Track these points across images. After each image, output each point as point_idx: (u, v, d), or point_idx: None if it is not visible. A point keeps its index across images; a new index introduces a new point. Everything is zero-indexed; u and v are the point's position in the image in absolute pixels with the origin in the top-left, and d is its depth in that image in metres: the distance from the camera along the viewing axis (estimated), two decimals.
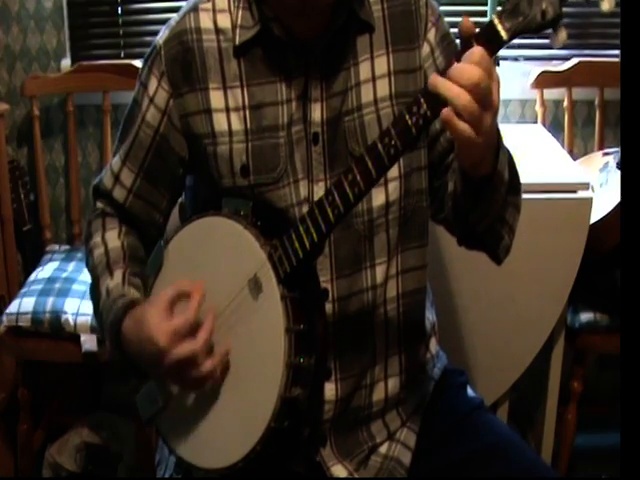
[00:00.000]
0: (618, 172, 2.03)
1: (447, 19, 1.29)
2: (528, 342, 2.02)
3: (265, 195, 1.22)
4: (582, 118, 2.46)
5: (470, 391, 1.40)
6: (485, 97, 0.96)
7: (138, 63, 2.24)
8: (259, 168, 1.22)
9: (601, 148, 2.34)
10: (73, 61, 2.42)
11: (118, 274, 1.25)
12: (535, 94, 2.37)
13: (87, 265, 1.32)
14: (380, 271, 1.26)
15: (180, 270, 1.24)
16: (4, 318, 2.01)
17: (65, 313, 1.99)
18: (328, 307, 1.22)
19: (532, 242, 1.84)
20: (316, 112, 1.21)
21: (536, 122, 2.39)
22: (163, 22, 1.29)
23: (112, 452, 2.28)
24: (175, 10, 1.30)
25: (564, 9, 0.96)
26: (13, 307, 2.02)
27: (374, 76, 1.23)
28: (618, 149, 2.14)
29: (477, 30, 0.99)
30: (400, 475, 1.31)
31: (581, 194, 1.94)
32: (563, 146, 2.26)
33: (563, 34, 0.96)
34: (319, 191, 1.21)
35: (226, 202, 1.21)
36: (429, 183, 1.29)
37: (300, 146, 1.22)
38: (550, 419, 2.15)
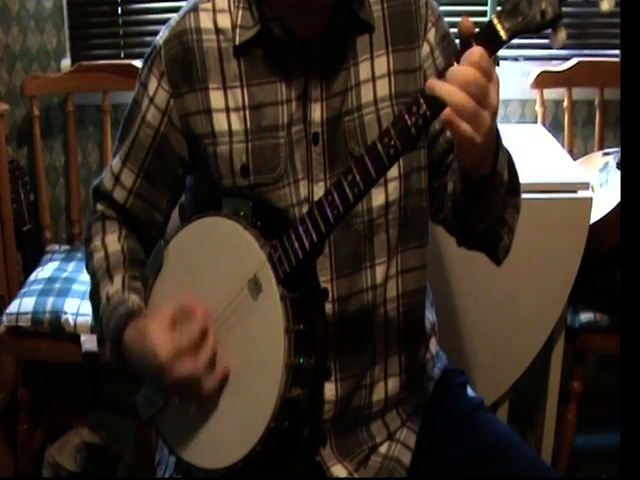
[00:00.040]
0: (618, 172, 2.03)
1: (447, 19, 1.29)
2: (528, 342, 2.02)
3: (265, 195, 1.22)
4: (582, 118, 2.46)
5: (470, 391, 1.40)
6: (482, 96, 0.96)
7: (138, 63, 2.24)
8: (259, 168, 1.22)
9: (601, 148, 2.34)
10: (73, 61, 2.42)
11: (118, 279, 1.25)
12: (535, 94, 2.37)
13: (87, 269, 1.32)
14: (380, 271, 1.26)
15: (180, 270, 1.25)
16: (4, 318, 2.02)
17: (65, 313, 1.99)
18: (328, 307, 1.22)
19: (532, 242, 1.84)
20: (316, 112, 1.21)
21: (536, 122, 2.40)
22: (163, 22, 1.29)
23: (112, 452, 2.28)
24: (175, 10, 1.30)
25: (564, 9, 0.96)
26: (13, 307, 2.03)
27: (374, 76, 1.23)
28: (618, 149, 2.14)
29: (476, 30, 0.99)
30: (400, 475, 1.31)
31: (581, 194, 1.94)
32: (563, 146, 2.26)
33: (563, 34, 0.96)
34: (319, 191, 1.21)
35: (226, 202, 1.21)
36: (428, 183, 1.29)
37: (300, 146, 1.22)
38: (550, 419, 2.15)
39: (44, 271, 2.18)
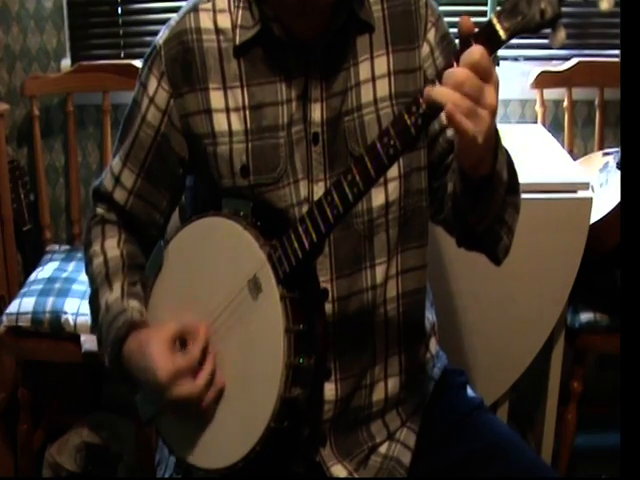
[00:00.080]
0: (618, 172, 2.03)
1: (447, 19, 1.29)
2: (528, 342, 2.02)
3: (265, 195, 1.22)
4: (582, 118, 2.46)
5: (470, 391, 1.40)
6: (477, 96, 0.95)
7: (138, 63, 2.24)
8: (259, 168, 1.22)
9: (601, 148, 2.34)
10: (73, 61, 2.42)
11: (117, 287, 1.26)
12: (535, 94, 2.37)
13: (87, 272, 1.33)
14: (380, 271, 1.26)
15: (180, 270, 1.25)
16: (4, 318, 2.01)
17: (65, 313, 1.99)
18: (328, 307, 1.22)
19: (532, 242, 1.84)
20: (316, 112, 1.21)
21: (536, 122, 2.40)
22: (163, 22, 1.29)
23: (112, 452, 2.28)
24: (175, 10, 1.30)
25: (564, 9, 0.96)
26: (13, 307, 2.03)
27: (374, 76, 1.23)
28: (618, 149, 2.14)
29: (476, 30, 0.98)
30: (400, 475, 1.31)
31: (581, 194, 1.94)
32: (563, 146, 2.25)
33: (562, 33, 0.96)
34: (319, 191, 1.21)
35: (226, 202, 1.21)
36: (428, 184, 1.29)
37: (300, 146, 1.22)
38: (550, 419, 2.15)
39: (44, 271, 2.18)
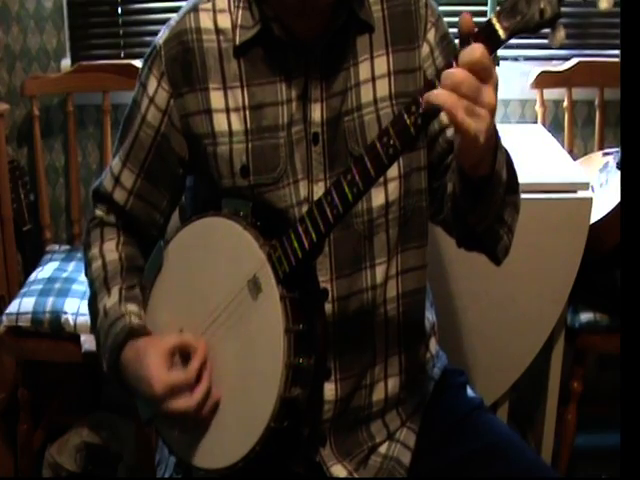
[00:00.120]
0: (618, 172, 2.03)
1: (447, 19, 1.29)
2: (528, 342, 2.02)
3: (265, 195, 1.22)
4: (582, 118, 2.46)
5: (470, 391, 1.40)
6: (475, 96, 0.95)
7: (138, 63, 2.24)
8: (259, 168, 1.22)
9: (601, 148, 2.34)
10: (73, 61, 2.42)
11: (115, 291, 1.26)
12: (535, 94, 2.37)
13: (86, 275, 1.33)
14: (380, 271, 1.26)
15: (180, 270, 1.25)
16: (4, 318, 2.01)
17: (65, 313, 1.99)
18: (328, 307, 1.22)
19: (532, 242, 1.84)
20: (316, 112, 1.21)
21: (536, 122, 2.39)
22: (163, 22, 1.29)
23: (112, 452, 2.28)
24: (175, 10, 1.30)
25: (563, 9, 0.96)
26: (13, 307, 2.02)
27: (374, 76, 1.23)
28: (618, 149, 2.14)
29: (475, 29, 0.98)
30: (400, 475, 1.31)
31: (581, 194, 1.94)
32: (563, 146, 2.25)
33: (561, 33, 0.96)
34: (319, 191, 1.21)
35: (226, 202, 1.21)
36: (428, 184, 1.29)
37: (300, 146, 1.22)
38: (550, 419, 2.15)
39: (44, 271, 2.17)
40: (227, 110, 1.22)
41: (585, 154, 2.35)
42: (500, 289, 1.95)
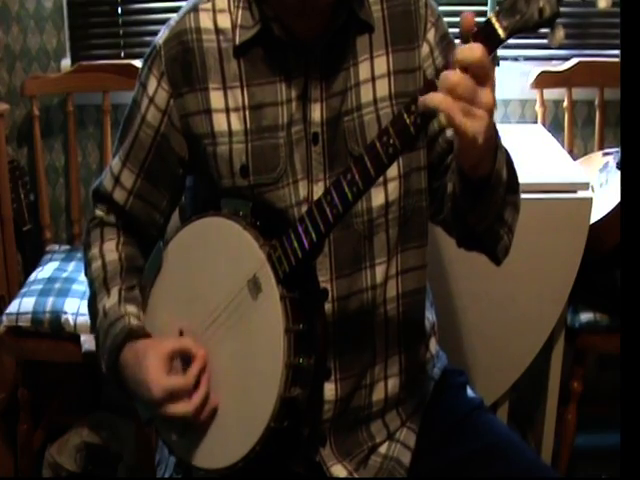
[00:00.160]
0: (618, 172, 2.03)
1: (447, 19, 1.29)
2: (528, 342, 2.02)
3: (265, 195, 1.22)
4: (582, 118, 2.46)
5: (470, 391, 1.40)
6: (471, 97, 0.95)
7: (138, 63, 2.24)
8: (259, 168, 1.22)
9: (601, 148, 2.34)
10: (73, 61, 2.42)
11: (114, 292, 1.26)
12: (535, 94, 2.37)
13: (86, 275, 1.34)
14: (380, 271, 1.26)
15: (179, 270, 1.25)
16: (4, 318, 2.01)
17: (65, 313, 1.99)
18: (328, 307, 1.22)
19: (532, 242, 1.84)
20: (316, 112, 1.21)
21: (536, 122, 2.39)
22: (163, 22, 1.29)
23: (112, 452, 2.28)
24: (175, 10, 1.30)
25: (563, 9, 0.96)
26: (13, 307, 2.03)
27: (374, 76, 1.23)
28: (618, 149, 2.14)
29: (475, 29, 0.98)
30: (400, 475, 1.31)
31: (581, 194, 1.94)
32: (563, 146, 2.25)
33: (560, 33, 0.96)
34: (318, 191, 1.21)
35: (225, 203, 1.21)
36: (428, 184, 1.29)
37: (300, 146, 1.22)
38: (550, 419, 2.15)
39: (44, 271, 2.18)
40: (227, 110, 1.22)
41: (585, 154, 2.35)
42: (500, 289, 1.95)
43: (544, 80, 2.34)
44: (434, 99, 0.95)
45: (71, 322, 1.98)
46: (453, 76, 0.94)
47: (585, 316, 2.04)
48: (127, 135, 1.29)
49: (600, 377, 2.48)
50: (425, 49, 1.25)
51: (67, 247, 2.37)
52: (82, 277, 2.07)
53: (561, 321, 2.04)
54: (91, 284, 1.30)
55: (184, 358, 1.18)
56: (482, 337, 2.01)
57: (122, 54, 2.47)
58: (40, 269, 2.20)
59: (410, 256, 1.29)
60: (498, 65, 2.02)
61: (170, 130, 1.25)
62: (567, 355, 2.11)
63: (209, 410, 1.16)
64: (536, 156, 2.10)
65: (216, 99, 1.22)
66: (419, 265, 1.31)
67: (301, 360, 1.09)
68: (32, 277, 2.16)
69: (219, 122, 1.22)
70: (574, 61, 2.34)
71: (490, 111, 0.97)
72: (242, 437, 1.12)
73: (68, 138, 2.41)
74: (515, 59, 2.44)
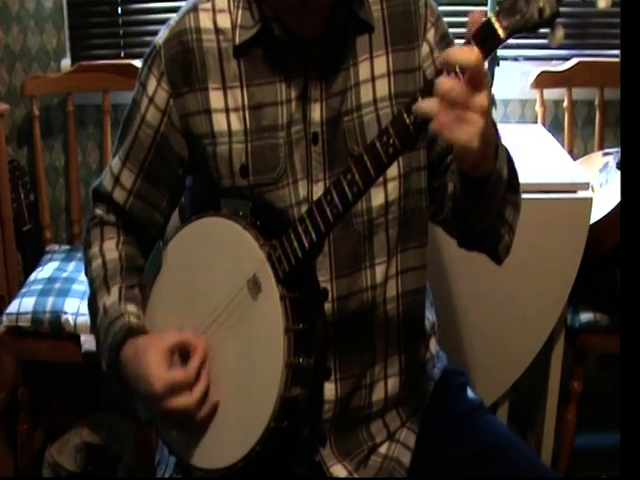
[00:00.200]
0: (618, 172, 2.03)
1: (447, 19, 1.29)
2: (528, 342, 2.02)
3: (264, 195, 1.22)
4: (582, 118, 2.46)
5: (470, 392, 1.40)
6: (464, 102, 0.95)
7: (138, 63, 2.24)
8: (258, 168, 1.22)
9: (601, 148, 2.34)
10: (73, 61, 2.42)
11: (115, 290, 1.26)
12: (535, 94, 2.37)
13: (86, 274, 1.33)
14: (380, 271, 1.26)
15: (179, 270, 1.25)
16: (4, 318, 2.01)
17: (65, 313, 1.99)
18: (328, 307, 1.22)
19: (532, 242, 1.84)
20: (316, 112, 1.21)
21: (536, 122, 2.39)
22: (163, 22, 1.29)
23: (112, 452, 2.28)
24: (175, 10, 1.30)
25: (563, 9, 0.96)
26: (13, 307, 2.03)
27: (373, 76, 1.23)
28: (618, 149, 2.14)
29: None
30: (400, 475, 1.31)
31: (581, 194, 1.94)
32: (563, 146, 2.26)
33: (560, 32, 0.96)
34: (318, 191, 1.21)
35: (225, 202, 1.21)
36: (428, 184, 1.29)
37: (300, 146, 1.22)
38: (550, 419, 2.15)
39: (44, 271, 2.18)
40: (227, 110, 1.22)
41: (585, 154, 2.35)
42: (500, 289, 1.95)
43: (544, 80, 2.34)
44: (426, 106, 0.96)
45: (71, 322, 1.98)
46: (447, 82, 0.95)
47: (585, 316, 2.04)
48: (127, 135, 1.29)
49: (600, 377, 2.48)
50: (425, 49, 1.25)
51: (67, 247, 2.37)
52: (82, 277, 2.07)
53: (561, 321, 2.04)
54: (91, 282, 1.30)
55: (183, 353, 1.18)
56: (482, 337, 2.01)
57: (122, 54, 2.47)
58: (40, 269, 2.20)
59: (410, 256, 1.29)
60: (498, 65, 2.02)
61: (170, 130, 1.25)
62: (567, 355, 2.11)
63: (210, 405, 1.16)
64: (536, 156, 2.10)
65: (216, 99, 1.22)
66: (419, 265, 1.31)
67: (301, 360, 1.09)
68: (32, 277, 2.16)
69: (219, 122, 1.22)
70: (574, 61, 2.34)
71: (484, 114, 0.97)
72: (242, 437, 1.12)
73: (68, 138, 2.41)
74: (515, 59, 2.44)
